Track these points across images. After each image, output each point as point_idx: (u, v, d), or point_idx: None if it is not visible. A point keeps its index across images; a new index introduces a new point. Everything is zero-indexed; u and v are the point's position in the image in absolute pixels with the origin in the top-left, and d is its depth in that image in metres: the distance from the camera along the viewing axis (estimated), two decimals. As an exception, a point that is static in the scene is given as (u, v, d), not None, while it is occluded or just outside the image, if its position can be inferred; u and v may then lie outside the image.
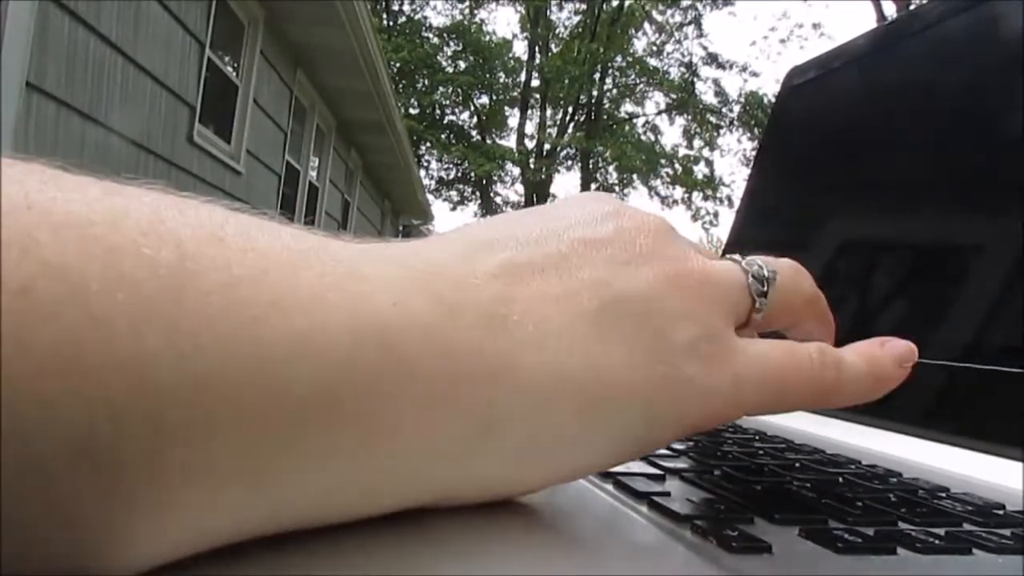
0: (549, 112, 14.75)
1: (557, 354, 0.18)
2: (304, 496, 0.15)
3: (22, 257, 0.12)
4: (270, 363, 0.14)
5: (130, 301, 0.12)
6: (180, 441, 0.13)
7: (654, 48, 15.00)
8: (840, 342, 0.25)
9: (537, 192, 14.25)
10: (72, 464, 0.12)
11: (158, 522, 0.13)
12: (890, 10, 10.06)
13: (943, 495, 0.24)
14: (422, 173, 13.41)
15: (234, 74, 3.99)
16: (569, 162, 14.94)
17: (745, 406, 0.21)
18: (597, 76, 14.50)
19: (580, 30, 14.44)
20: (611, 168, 15.12)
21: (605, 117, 15.00)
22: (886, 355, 0.24)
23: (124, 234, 0.13)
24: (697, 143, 15.35)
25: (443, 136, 14.36)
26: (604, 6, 14.01)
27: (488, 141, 14.55)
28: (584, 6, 14.27)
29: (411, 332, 0.16)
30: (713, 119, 15.18)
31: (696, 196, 15.34)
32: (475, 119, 14.84)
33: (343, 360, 0.15)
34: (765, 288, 0.23)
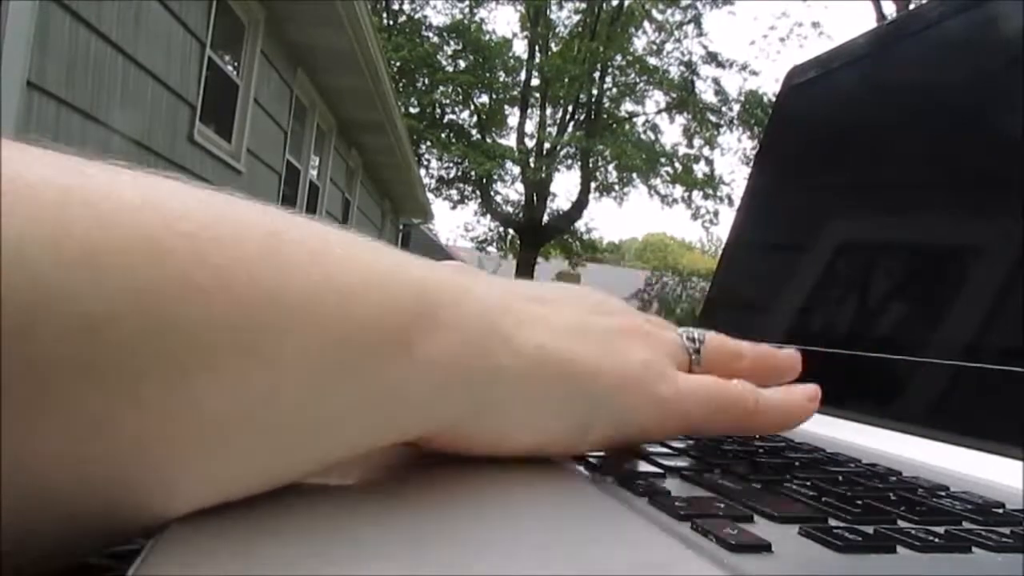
0: (549, 111, 14.73)
1: (545, 340, 0.24)
2: (350, 405, 0.19)
3: (180, 219, 0.17)
4: (341, 296, 0.19)
5: (237, 255, 0.17)
6: (271, 339, 0.17)
7: (654, 47, 14.99)
8: (839, 343, 0.25)
9: (537, 191, 14.25)
10: (197, 353, 0.16)
11: (227, 407, 0.17)
12: (890, 10, 10.06)
13: (943, 493, 0.24)
14: (422, 172, 13.40)
15: (235, 73, 3.99)
16: (569, 161, 14.91)
17: (688, 417, 0.26)
18: (597, 75, 14.47)
19: (580, 29, 14.42)
20: (611, 167, 15.09)
21: (605, 116, 14.97)
22: (797, 391, 0.30)
23: (236, 210, 0.19)
24: (697, 142, 15.33)
25: (443, 135, 14.33)
26: (604, 5, 13.99)
27: (488, 140, 14.53)
28: (584, 5, 14.26)
29: (436, 289, 0.22)
30: (713, 118, 15.15)
31: (696, 195, 15.32)
32: (475, 118, 14.82)
33: (388, 299, 0.20)
34: (697, 345, 0.29)
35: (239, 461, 0.18)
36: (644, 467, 0.25)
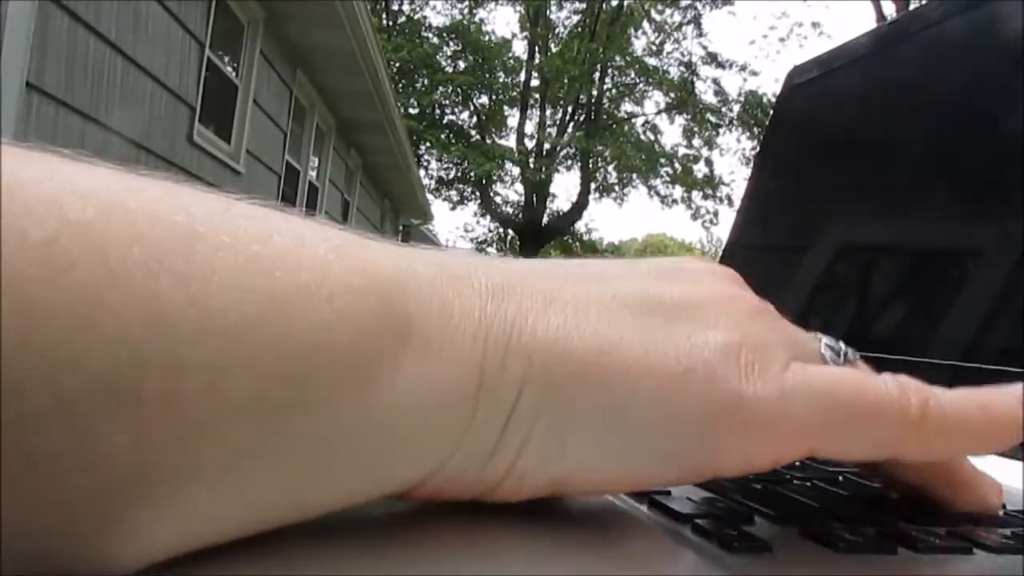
0: (549, 112, 14.73)
1: (562, 323, 0.17)
2: (306, 455, 0.15)
3: (46, 215, 0.13)
4: (276, 311, 0.14)
5: (145, 255, 0.13)
6: (195, 380, 0.13)
7: (653, 47, 14.99)
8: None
9: (537, 192, 14.25)
10: (97, 402, 0.13)
11: (176, 467, 0.14)
12: (890, 10, 10.06)
13: (943, 494, 0.24)
14: (422, 173, 13.39)
15: (234, 74, 3.99)
16: (569, 162, 14.92)
17: (797, 427, 0.18)
18: (597, 76, 14.48)
19: (580, 30, 14.43)
20: (611, 168, 15.11)
21: (605, 117, 14.97)
22: (998, 391, 0.19)
23: (139, 200, 0.14)
24: (697, 142, 15.34)
25: (443, 136, 14.33)
26: (603, 6, 14.00)
27: (488, 141, 14.53)
28: (584, 5, 14.26)
29: (410, 288, 0.16)
30: (713, 118, 15.15)
31: (696, 195, 15.33)
32: (475, 119, 14.83)
33: (344, 309, 0.15)
34: (840, 359, 0.20)
35: (183, 519, 0.14)
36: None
